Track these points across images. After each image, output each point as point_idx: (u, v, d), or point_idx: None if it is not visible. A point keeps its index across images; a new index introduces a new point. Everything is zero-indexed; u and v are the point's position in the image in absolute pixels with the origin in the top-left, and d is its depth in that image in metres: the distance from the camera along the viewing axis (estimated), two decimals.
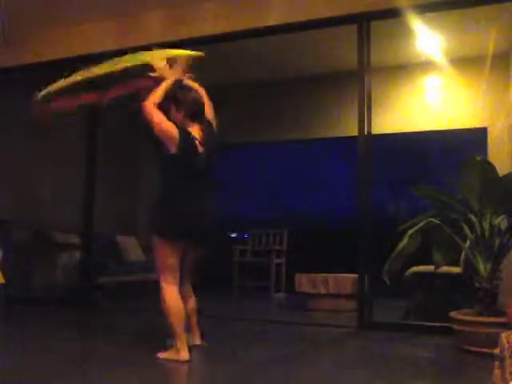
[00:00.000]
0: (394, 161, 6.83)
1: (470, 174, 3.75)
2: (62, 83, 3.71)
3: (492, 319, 3.57)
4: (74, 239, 6.43)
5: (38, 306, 5.74)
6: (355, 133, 4.83)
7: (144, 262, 7.07)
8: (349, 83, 5.59)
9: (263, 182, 8.35)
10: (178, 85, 3.55)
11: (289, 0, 5.16)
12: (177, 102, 3.47)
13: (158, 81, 3.51)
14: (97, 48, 5.74)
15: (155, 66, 3.56)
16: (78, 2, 5.45)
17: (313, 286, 5.86)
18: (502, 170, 3.92)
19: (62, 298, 6.03)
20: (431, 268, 4.10)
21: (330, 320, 5.25)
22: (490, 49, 5.57)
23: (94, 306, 5.80)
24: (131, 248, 7.31)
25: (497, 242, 3.75)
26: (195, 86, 3.64)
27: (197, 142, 3.43)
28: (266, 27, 5.13)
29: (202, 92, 3.65)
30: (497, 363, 2.30)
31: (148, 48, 3.72)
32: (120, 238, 7.25)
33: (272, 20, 5.10)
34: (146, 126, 3.39)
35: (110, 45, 5.71)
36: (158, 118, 3.37)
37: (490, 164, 3.78)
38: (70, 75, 3.69)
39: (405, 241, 3.87)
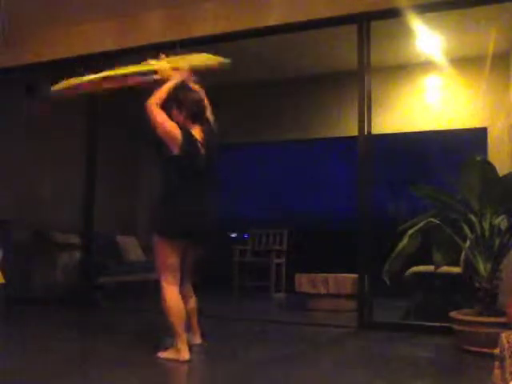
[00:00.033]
0: (394, 161, 6.83)
1: (470, 174, 3.75)
2: (79, 80, 3.70)
3: (492, 319, 3.57)
4: (74, 239, 6.43)
5: (38, 306, 5.74)
6: (355, 133, 4.83)
7: (144, 262, 7.07)
8: (349, 83, 5.59)
9: (263, 181, 8.35)
10: (181, 86, 3.55)
11: (289, 0, 5.16)
12: (178, 102, 3.48)
13: (160, 82, 3.51)
14: (97, 48, 5.74)
15: (159, 67, 3.56)
16: (77, 2, 5.45)
17: (313, 286, 5.86)
18: (502, 169, 3.92)
19: (62, 298, 6.03)
20: (431, 268, 4.10)
21: (330, 320, 5.24)
22: (490, 49, 5.57)
23: (93, 306, 5.80)
24: (131, 248, 7.31)
25: (497, 242, 3.75)
26: (196, 86, 3.65)
27: (198, 143, 3.44)
28: (266, 27, 5.13)
29: (202, 93, 3.65)
30: (497, 363, 2.30)
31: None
32: (120, 238, 7.25)
33: (272, 20, 5.11)
34: (148, 126, 3.39)
35: (109, 45, 5.72)
36: (161, 118, 3.37)
37: (489, 164, 3.78)
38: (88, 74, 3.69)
39: (405, 241, 3.87)
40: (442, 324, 4.12)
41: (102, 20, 5.79)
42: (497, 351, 2.30)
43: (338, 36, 5.50)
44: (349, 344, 4.25)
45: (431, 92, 6.64)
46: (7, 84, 6.17)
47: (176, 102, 3.47)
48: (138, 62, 3.66)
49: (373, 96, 4.85)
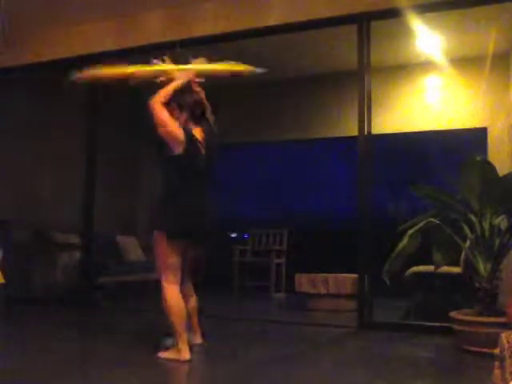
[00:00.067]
0: (394, 161, 6.82)
1: (470, 174, 3.75)
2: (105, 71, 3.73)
3: (492, 319, 3.57)
4: (74, 239, 6.43)
5: (38, 306, 5.74)
6: (355, 133, 4.83)
7: (144, 262, 7.07)
8: (349, 83, 5.59)
9: (263, 181, 8.35)
10: (183, 87, 3.56)
11: (289, 0, 5.16)
12: (179, 103, 3.48)
13: (165, 83, 3.51)
14: (97, 48, 5.74)
15: (164, 68, 3.57)
16: (77, 2, 5.45)
17: (313, 286, 5.86)
18: (502, 170, 3.92)
19: (62, 298, 6.03)
20: (431, 268, 4.10)
21: (330, 320, 5.24)
22: (490, 49, 5.57)
23: (94, 306, 5.80)
24: (131, 248, 7.31)
25: (497, 242, 3.75)
26: (196, 87, 3.65)
27: (199, 143, 3.46)
28: (266, 27, 5.13)
29: (202, 93, 3.66)
30: (497, 363, 2.30)
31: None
32: (120, 238, 7.25)
33: (272, 20, 5.10)
34: (151, 125, 3.39)
35: (109, 45, 5.71)
36: (165, 117, 3.37)
37: (490, 164, 3.78)
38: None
39: (405, 241, 3.87)
40: (442, 324, 4.12)
41: (101, 20, 5.79)
42: (497, 351, 2.30)
43: (338, 36, 5.50)
44: (349, 344, 4.25)
45: (431, 92, 6.64)
46: (7, 84, 6.17)
47: (177, 102, 3.48)
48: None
49: (373, 96, 4.85)
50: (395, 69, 6.61)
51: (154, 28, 5.62)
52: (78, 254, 6.29)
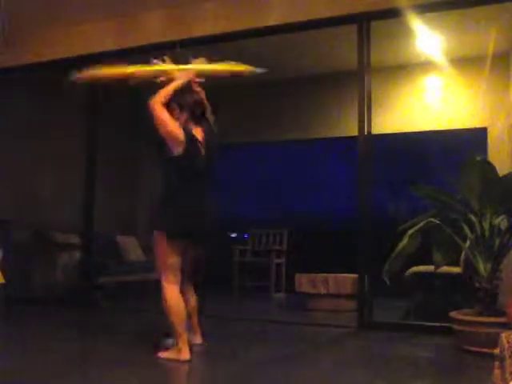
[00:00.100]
0: (394, 161, 6.83)
1: (470, 174, 3.75)
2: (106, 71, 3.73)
3: (492, 319, 3.57)
4: (74, 239, 6.43)
5: (38, 306, 5.74)
6: (355, 133, 4.83)
7: (144, 262, 7.07)
8: (349, 83, 5.59)
9: (263, 181, 8.35)
10: (185, 86, 3.56)
11: (289, 0, 5.16)
12: (180, 103, 3.48)
13: (165, 83, 3.51)
14: (97, 48, 5.74)
15: (164, 68, 3.57)
16: (77, 2, 5.45)
17: (313, 286, 5.86)
18: (502, 170, 3.92)
19: (62, 298, 6.03)
20: (431, 268, 4.10)
21: (330, 320, 5.24)
22: (490, 49, 5.57)
23: (94, 306, 5.80)
24: (131, 248, 7.31)
25: (497, 242, 3.75)
26: (196, 87, 3.65)
27: (199, 143, 3.46)
28: (266, 27, 5.13)
29: (203, 93, 3.66)
30: (497, 363, 2.30)
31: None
32: (120, 238, 7.25)
33: (272, 20, 5.10)
34: (151, 125, 3.39)
35: (109, 45, 5.71)
36: (165, 117, 3.37)
37: (490, 164, 3.78)
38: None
39: (405, 241, 3.87)
40: (442, 324, 4.12)
41: (101, 20, 5.79)
42: (497, 351, 2.30)
43: (338, 36, 5.50)
44: (349, 344, 4.25)
45: (431, 92, 6.64)
46: (7, 84, 6.17)
47: (177, 102, 3.48)
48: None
49: (373, 96, 4.85)
50: (395, 69, 6.61)
51: (153, 28, 5.62)
52: (77, 254, 6.29)
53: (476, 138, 6.27)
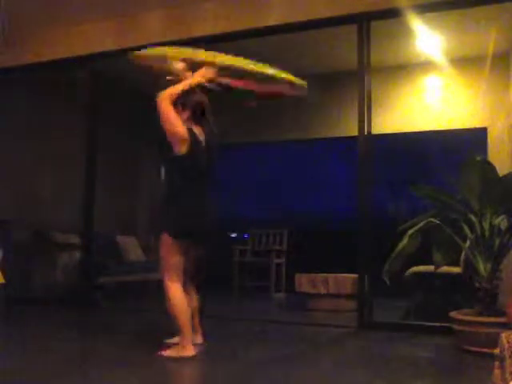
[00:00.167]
0: (394, 161, 6.83)
1: (469, 174, 3.75)
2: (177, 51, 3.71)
3: (492, 319, 3.57)
4: (74, 239, 6.43)
5: (38, 306, 5.74)
6: (355, 133, 4.83)
7: (144, 262, 7.07)
8: (349, 83, 5.59)
9: (263, 181, 8.36)
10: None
11: (289, 0, 5.16)
12: (183, 102, 3.48)
13: (173, 82, 3.50)
14: (97, 48, 5.75)
15: (173, 67, 3.56)
16: (77, 2, 5.45)
17: (313, 286, 5.86)
18: (502, 170, 3.92)
19: (62, 298, 6.03)
20: (431, 268, 4.10)
21: (330, 320, 5.24)
22: (490, 49, 5.57)
23: (94, 306, 5.80)
24: (131, 248, 7.31)
25: (497, 242, 3.75)
26: (203, 91, 3.66)
27: (201, 143, 3.46)
28: (266, 27, 5.14)
29: (205, 97, 3.66)
30: (497, 363, 2.30)
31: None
32: (120, 238, 7.25)
33: (272, 20, 5.11)
34: (153, 124, 3.39)
35: (109, 45, 5.72)
36: (172, 116, 3.37)
37: (489, 164, 3.78)
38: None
39: (405, 241, 3.87)
40: (442, 324, 4.12)
41: (101, 20, 5.79)
42: (497, 351, 2.30)
43: (338, 36, 5.50)
44: (349, 344, 4.25)
45: (431, 92, 6.63)
46: (7, 84, 6.17)
47: (179, 102, 3.48)
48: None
49: (373, 96, 4.85)
50: (395, 69, 6.61)
51: (153, 28, 5.62)
52: (77, 254, 6.29)
53: (476, 138, 6.27)
